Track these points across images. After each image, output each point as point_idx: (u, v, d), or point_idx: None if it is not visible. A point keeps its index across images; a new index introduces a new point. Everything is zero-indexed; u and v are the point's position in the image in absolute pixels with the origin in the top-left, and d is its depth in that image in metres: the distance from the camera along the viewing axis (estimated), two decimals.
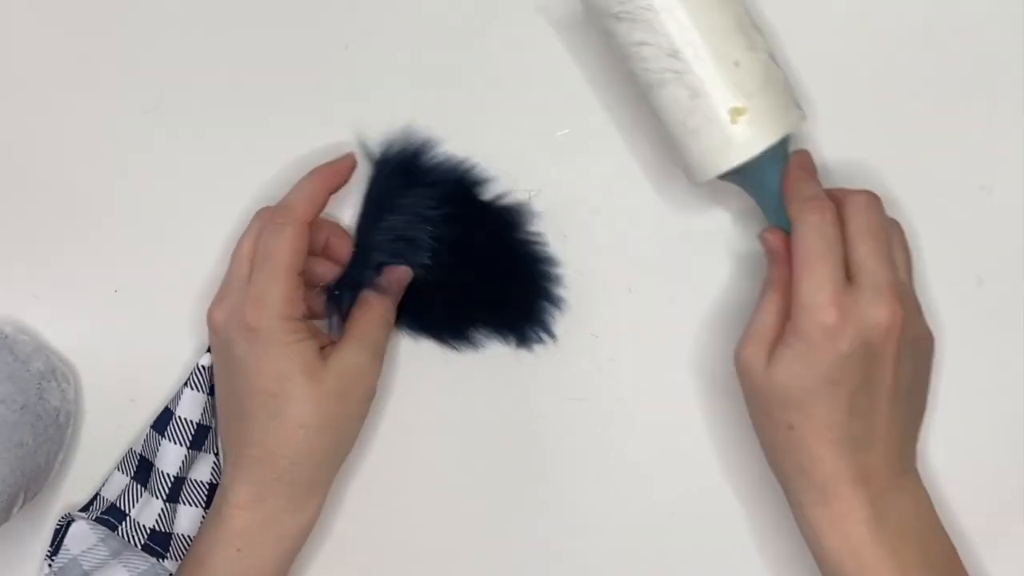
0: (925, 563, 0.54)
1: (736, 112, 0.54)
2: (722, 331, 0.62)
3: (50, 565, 0.62)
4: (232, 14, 0.64)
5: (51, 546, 0.62)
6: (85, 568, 0.61)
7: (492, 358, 0.63)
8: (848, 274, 0.53)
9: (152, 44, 0.64)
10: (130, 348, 0.64)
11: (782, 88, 0.56)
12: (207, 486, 0.63)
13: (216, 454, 0.63)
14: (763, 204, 0.57)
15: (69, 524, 0.62)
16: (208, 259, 0.63)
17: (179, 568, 0.59)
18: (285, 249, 0.56)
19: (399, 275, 0.61)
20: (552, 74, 0.62)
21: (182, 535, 0.62)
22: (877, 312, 0.52)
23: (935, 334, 0.57)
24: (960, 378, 0.62)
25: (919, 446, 0.57)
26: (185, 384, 0.62)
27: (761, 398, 0.54)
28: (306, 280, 0.58)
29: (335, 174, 0.60)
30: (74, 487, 0.64)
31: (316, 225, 0.59)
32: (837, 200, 0.55)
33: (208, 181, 0.64)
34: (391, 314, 0.60)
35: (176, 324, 0.63)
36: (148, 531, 0.62)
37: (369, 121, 0.63)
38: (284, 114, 0.64)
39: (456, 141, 0.63)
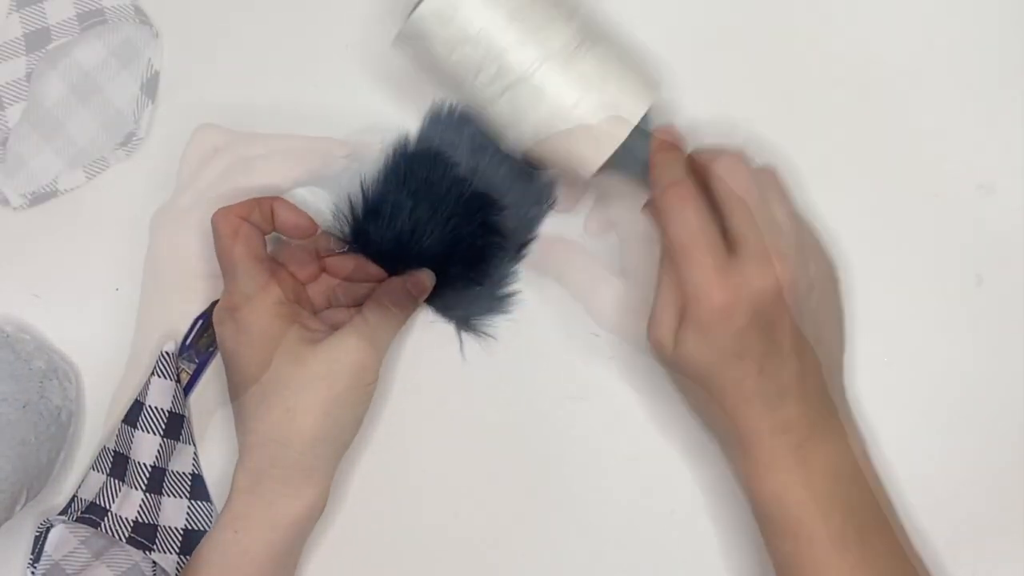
0: (847, 505, 0.55)
1: (595, 104, 0.54)
2: None
3: (32, 573, 0.62)
4: (232, 14, 0.64)
5: (32, 553, 0.62)
6: (68, 572, 0.61)
7: (494, 358, 0.63)
8: (727, 242, 0.53)
9: (149, 43, 0.64)
10: (131, 347, 0.64)
11: (628, 64, 0.56)
12: (189, 476, 0.63)
13: (195, 445, 0.63)
14: (641, 179, 0.57)
15: (48, 530, 0.62)
16: (209, 258, 0.63)
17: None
18: (233, 243, 0.57)
19: (423, 282, 0.61)
20: None
21: (168, 527, 0.62)
22: (763, 281, 0.53)
23: (934, 334, 0.57)
24: (960, 377, 0.62)
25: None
26: (152, 373, 0.62)
27: (675, 372, 0.56)
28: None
29: (291, 213, 0.59)
30: (76, 485, 0.64)
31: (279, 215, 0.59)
32: (702, 166, 0.55)
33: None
34: (405, 317, 0.60)
35: (176, 322, 0.64)
36: (131, 523, 0.62)
37: (368, 120, 0.63)
38: (283, 114, 0.64)
39: None
